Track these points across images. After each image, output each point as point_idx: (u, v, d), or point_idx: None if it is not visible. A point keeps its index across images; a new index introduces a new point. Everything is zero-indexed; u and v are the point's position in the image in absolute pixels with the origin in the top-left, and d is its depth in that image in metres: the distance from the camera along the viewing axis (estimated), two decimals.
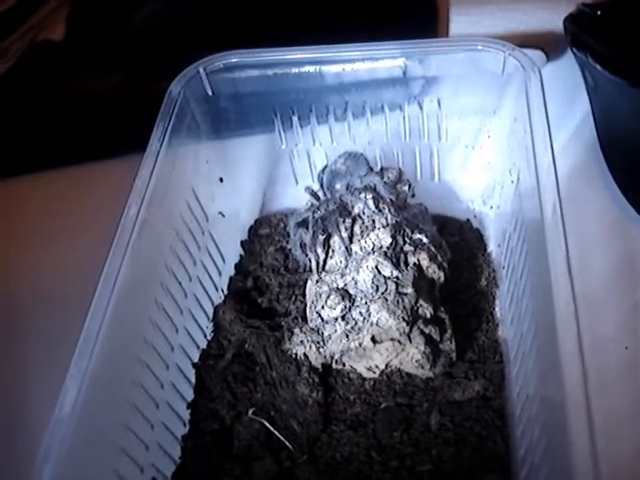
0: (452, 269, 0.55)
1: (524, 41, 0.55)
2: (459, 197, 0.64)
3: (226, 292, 0.60)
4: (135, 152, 0.52)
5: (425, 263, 0.52)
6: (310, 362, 0.52)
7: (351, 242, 0.52)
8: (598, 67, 0.62)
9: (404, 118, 0.60)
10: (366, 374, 0.52)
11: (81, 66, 0.80)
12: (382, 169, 0.57)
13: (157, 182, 0.49)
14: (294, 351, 0.52)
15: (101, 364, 0.41)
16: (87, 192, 0.69)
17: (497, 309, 0.57)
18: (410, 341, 0.49)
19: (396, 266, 0.51)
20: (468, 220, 0.63)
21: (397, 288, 0.50)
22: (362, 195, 0.53)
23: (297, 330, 0.52)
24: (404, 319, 0.49)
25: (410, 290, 0.50)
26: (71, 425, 0.38)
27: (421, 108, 0.59)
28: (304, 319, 0.54)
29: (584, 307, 0.38)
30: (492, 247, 0.61)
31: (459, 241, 0.61)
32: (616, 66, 0.61)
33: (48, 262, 0.64)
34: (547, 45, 0.70)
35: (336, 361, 0.52)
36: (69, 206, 0.69)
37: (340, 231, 0.52)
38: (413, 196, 0.57)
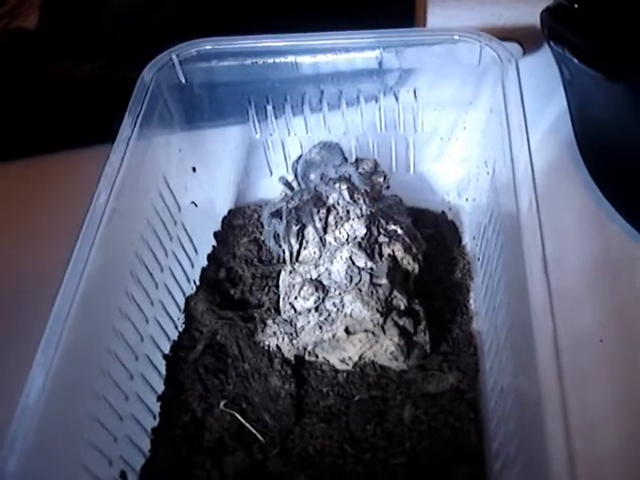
0: (427, 261, 0.54)
1: (501, 35, 0.54)
2: (434, 189, 0.64)
3: (198, 283, 0.59)
4: (108, 141, 0.50)
5: (400, 254, 0.51)
6: (283, 354, 0.51)
7: (325, 233, 0.52)
8: (575, 60, 0.62)
9: (380, 109, 0.59)
10: (339, 366, 0.51)
11: (55, 54, 0.79)
12: (357, 160, 0.57)
13: (128, 170, 0.48)
14: (267, 343, 0.51)
15: (68, 353, 0.40)
16: (58, 181, 0.68)
17: (472, 301, 0.56)
18: (384, 333, 0.49)
19: (370, 257, 0.50)
20: (443, 212, 0.63)
21: (371, 279, 0.49)
22: (337, 185, 0.53)
23: (270, 321, 0.52)
24: (378, 310, 0.48)
25: (384, 281, 0.49)
26: (37, 415, 0.37)
27: (397, 99, 0.59)
28: (277, 311, 0.53)
29: (559, 301, 0.38)
30: (467, 239, 0.61)
31: (434, 233, 0.61)
32: (593, 59, 0.61)
33: (15, 251, 0.63)
34: (524, 39, 0.70)
35: (309, 353, 0.51)
36: (39, 195, 0.68)
37: (314, 221, 0.52)
38: (388, 187, 0.57)
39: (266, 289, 0.57)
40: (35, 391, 0.38)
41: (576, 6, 0.66)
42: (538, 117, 0.68)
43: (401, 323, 0.49)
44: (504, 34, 0.55)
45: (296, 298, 0.50)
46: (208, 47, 0.55)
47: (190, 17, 0.77)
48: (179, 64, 0.56)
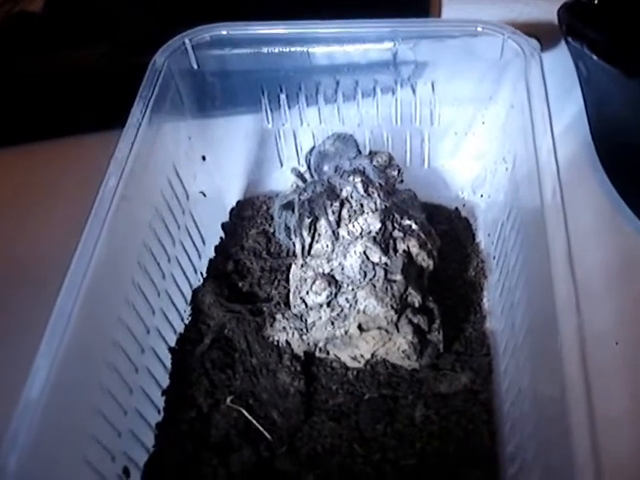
0: (440, 258, 0.53)
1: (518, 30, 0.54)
2: (448, 185, 0.63)
3: (205, 275, 0.58)
4: (116, 127, 0.49)
5: (415, 250, 0.50)
6: (292, 349, 0.50)
7: (339, 226, 0.51)
8: (594, 57, 0.61)
9: (396, 101, 0.58)
10: (350, 363, 0.50)
11: (61, 38, 0.78)
12: (371, 153, 0.55)
13: (137, 155, 0.47)
14: (276, 338, 0.50)
15: (73, 344, 0.38)
16: (67, 166, 0.67)
17: (485, 300, 0.55)
18: (398, 330, 0.47)
19: (385, 252, 0.49)
20: (457, 209, 0.62)
21: (386, 275, 0.48)
22: (351, 178, 0.51)
23: (279, 316, 0.51)
24: (393, 307, 0.47)
25: (399, 277, 0.48)
26: (40, 408, 0.36)
27: (414, 92, 0.58)
28: (287, 305, 0.52)
29: None
30: (481, 237, 0.60)
31: (447, 230, 0.60)
32: (612, 56, 0.59)
33: (24, 237, 0.62)
34: (542, 36, 0.69)
35: (320, 349, 0.50)
36: (48, 180, 0.67)
37: (327, 214, 0.50)
38: (402, 182, 0.55)
39: (275, 283, 0.56)
40: (38, 384, 0.36)
41: (595, 2, 0.65)
42: (554, 115, 0.66)
43: (415, 321, 0.48)
44: (522, 30, 0.54)
45: (308, 293, 0.49)
46: (223, 32, 0.54)
47: (199, 3, 0.75)
48: (192, 49, 0.54)
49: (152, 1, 0.78)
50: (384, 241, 0.50)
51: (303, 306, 0.49)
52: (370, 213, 0.50)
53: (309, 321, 0.49)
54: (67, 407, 0.39)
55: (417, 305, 0.49)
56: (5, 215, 0.64)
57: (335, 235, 0.50)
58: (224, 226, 0.62)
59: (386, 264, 0.49)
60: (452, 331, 0.52)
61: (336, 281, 0.49)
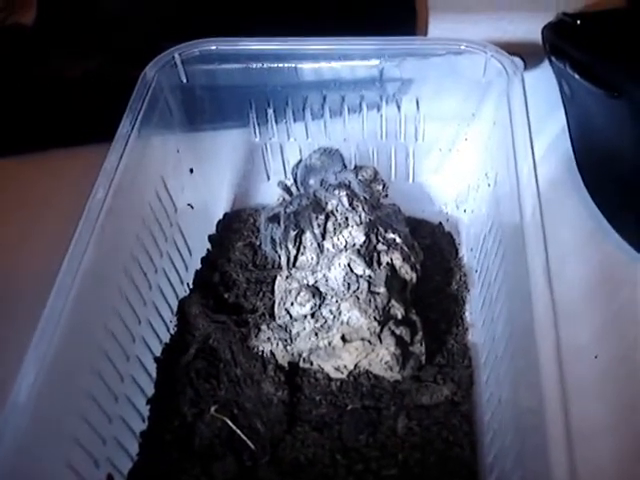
0: (423, 272, 0.54)
1: (503, 49, 0.54)
2: (432, 200, 0.64)
3: (191, 286, 0.58)
4: (107, 140, 0.50)
5: (398, 263, 0.51)
6: (276, 360, 0.50)
7: (323, 239, 0.51)
8: (576, 76, 0.62)
9: (382, 117, 0.59)
10: (334, 374, 0.50)
11: (53, 51, 0.78)
12: (357, 167, 0.56)
13: (126, 167, 0.47)
14: (260, 348, 0.51)
15: (60, 351, 0.39)
16: (56, 179, 0.67)
17: (467, 313, 0.56)
18: (380, 342, 0.48)
19: (369, 265, 0.50)
20: (440, 223, 0.63)
21: (369, 287, 0.49)
22: (336, 192, 0.52)
23: (264, 327, 0.51)
24: (376, 319, 0.47)
25: (382, 289, 0.49)
26: (27, 413, 0.36)
27: (399, 108, 0.58)
28: (272, 316, 0.53)
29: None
30: (464, 251, 0.60)
31: (430, 244, 0.60)
32: (594, 76, 0.60)
33: (10, 249, 0.62)
34: (526, 56, 0.70)
35: (304, 360, 0.50)
36: (40, 191, 0.67)
37: (313, 227, 0.51)
38: (386, 196, 0.56)
39: (260, 294, 0.56)
40: (25, 389, 0.37)
41: (578, 22, 0.66)
42: (537, 134, 0.66)
43: (398, 332, 0.49)
44: (506, 49, 0.55)
45: (292, 304, 0.49)
46: (211, 47, 0.55)
47: (190, 18, 0.76)
48: (181, 63, 0.55)
49: (143, 16, 0.79)
50: (368, 254, 0.50)
51: (288, 317, 0.50)
52: (355, 226, 0.51)
53: (293, 332, 0.50)
54: (53, 413, 0.39)
55: (400, 317, 0.49)
56: None
57: (320, 247, 0.51)
58: (211, 238, 0.62)
59: (370, 276, 0.49)
60: (434, 343, 0.53)
61: (320, 293, 0.49)
